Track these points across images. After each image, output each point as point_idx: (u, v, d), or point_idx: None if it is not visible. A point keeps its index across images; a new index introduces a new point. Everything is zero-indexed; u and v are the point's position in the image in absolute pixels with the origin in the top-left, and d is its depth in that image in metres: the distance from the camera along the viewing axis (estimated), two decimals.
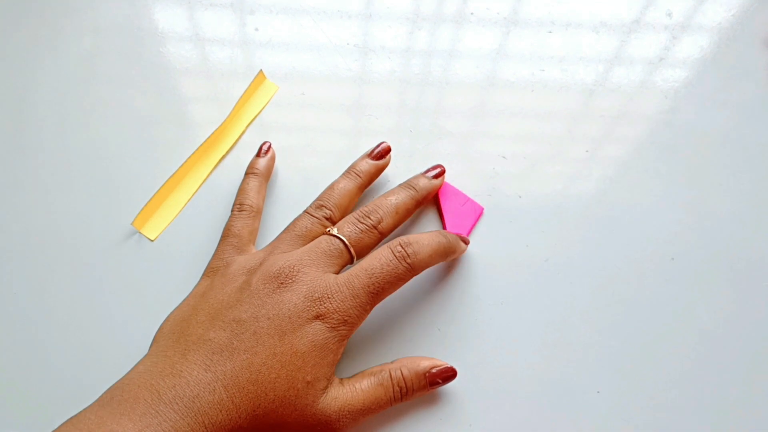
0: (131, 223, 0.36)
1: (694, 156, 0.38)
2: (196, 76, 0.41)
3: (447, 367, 0.31)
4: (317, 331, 0.28)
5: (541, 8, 0.44)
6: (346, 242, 0.31)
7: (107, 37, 0.43)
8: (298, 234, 0.32)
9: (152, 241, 0.36)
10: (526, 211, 0.37)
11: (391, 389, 0.30)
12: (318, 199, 0.34)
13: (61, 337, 0.34)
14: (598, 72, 0.41)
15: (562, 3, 0.44)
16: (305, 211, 0.34)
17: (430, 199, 0.36)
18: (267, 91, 0.41)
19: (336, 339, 0.28)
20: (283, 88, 0.41)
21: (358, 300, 0.29)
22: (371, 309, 0.30)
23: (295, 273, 0.29)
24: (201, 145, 0.38)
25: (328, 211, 0.33)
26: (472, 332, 0.34)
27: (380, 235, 0.32)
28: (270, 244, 0.33)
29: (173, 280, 0.35)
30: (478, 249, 0.36)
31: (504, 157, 0.38)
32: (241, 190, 0.36)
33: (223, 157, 0.39)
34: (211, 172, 0.38)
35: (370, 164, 0.36)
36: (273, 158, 0.38)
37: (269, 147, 0.37)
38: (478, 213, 0.36)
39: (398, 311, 0.34)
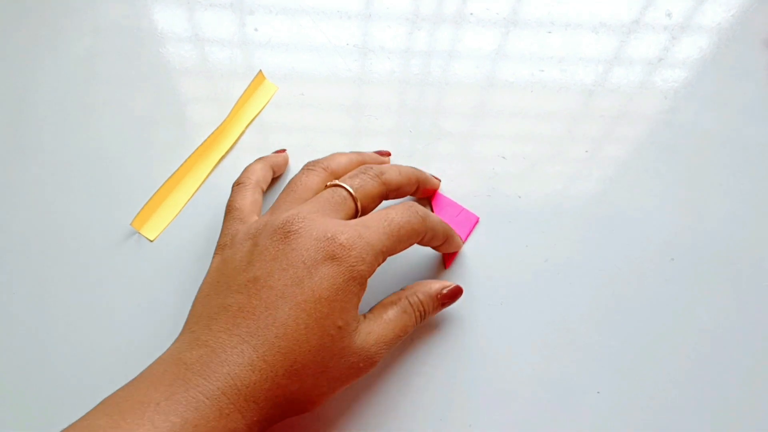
0: (130, 224, 0.36)
1: (694, 156, 0.38)
2: (195, 77, 0.41)
3: (455, 286, 0.32)
4: (335, 273, 0.27)
5: (541, 8, 0.44)
6: (350, 189, 0.30)
7: (107, 38, 0.43)
8: (297, 191, 0.31)
9: (151, 241, 0.36)
10: (526, 211, 0.37)
11: (413, 314, 0.31)
12: (316, 160, 0.34)
13: (61, 337, 0.34)
14: (598, 72, 0.41)
15: (562, 3, 0.44)
16: (303, 167, 0.33)
17: (426, 195, 0.36)
18: (266, 92, 0.41)
19: (357, 281, 0.27)
20: (283, 88, 0.41)
21: (372, 239, 0.28)
22: (384, 257, 0.29)
23: (300, 221, 0.28)
24: (200, 145, 0.38)
25: (326, 164, 0.33)
26: (471, 332, 0.34)
27: (383, 186, 0.32)
28: (270, 208, 0.32)
29: (172, 281, 0.35)
30: (477, 249, 0.36)
31: (504, 158, 0.38)
32: (244, 171, 0.35)
33: (223, 157, 0.39)
34: (210, 173, 0.38)
35: (374, 154, 0.36)
36: (285, 158, 0.38)
37: (284, 150, 0.38)
38: (474, 222, 0.36)
39: None
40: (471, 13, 0.43)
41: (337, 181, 0.31)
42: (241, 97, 0.40)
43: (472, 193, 0.37)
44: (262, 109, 0.40)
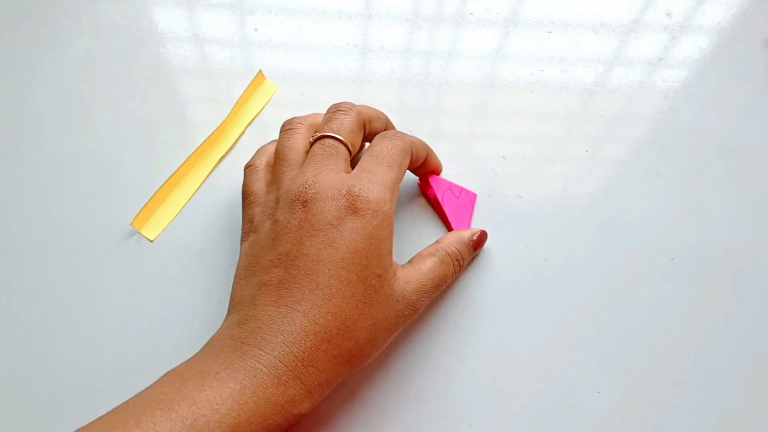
0: (130, 224, 0.36)
1: (694, 156, 0.38)
2: (195, 77, 0.41)
3: (482, 231, 0.35)
4: (363, 223, 0.28)
5: (541, 8, 0.44)
6: (333, 135, 0.31)
7: (107, 38, 0.43)
8: (288, 158, 0.31)
9: (151, 241, 0.36)
10: (526, 211, 0.37)
11: (451, 264, 0.32)
12: (290, 118, 0.34)
13: (61, 337, 0.34)
14: (598, 72, 0.41)
15: (562, 3, 0.44)
16: (281, 130, 0.33)
17: (420, 162, 0.34)
18: (266, 92, 0.41)
19: (385, 222, 0.28)
20: (283, 88, 0.41)
21: (380, 178, 0.29)
22: (397, 188, 0.30)
23: (312, 186, 0.28)
24: (200, 145, 0.38)
25: (302, 119, 0.33)
26: (471, 332, 0.34)
27: (358, 116, 0.32)
28: (269, 184, 0.32)
29: (172, 281, 0.35)
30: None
31: (504, 158, 0.38)
32: (256, 152, 0.34)
33: (223, 157, 0.39)
34: (210, 173, 0.38)
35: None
36: None
37: None
38: (473, 200, 0.37)
39: None
40: (471, 13, 0.43)
41: (318, 133, 0.31)
42: (241, 97, 0.40)
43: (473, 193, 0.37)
44: (262, 109, 0.40)
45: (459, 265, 0.33)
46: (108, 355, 0.34)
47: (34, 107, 0.40)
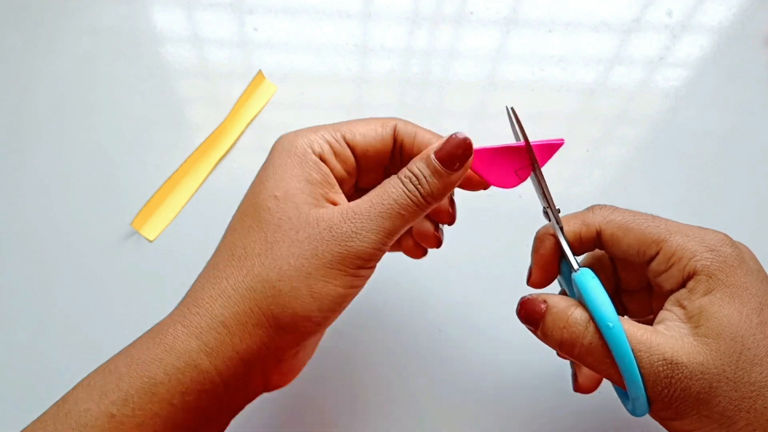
0: (130, 224, 0.36)
1: (694, 156, 0.38)
2: (194, 77, 0.41)
3: (448, 137, 0.26)
4: (271, 153, 0.26)
5: (542, 7, 0.43)
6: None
7: (105, 38, 0.43)
8: None
9: (151, 241, 0.36)
10: (526, 210, 0.37)
11: (401, 186, 0.24)
12: None
13: (61, 336, 0.34)
14: (598, 71, 0.41)
15: (563, 2, 0.44)
16: None
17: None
18: (266, 92, 0.41)
19: (287, 150, 0.25)
20: (282, 88, 0.41)
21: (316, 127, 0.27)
22: (324, 129, 0.26)
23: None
24: (200, 145, 0.38)
25: None
26: (472, 333, 0.34)
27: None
28: None
29: (172, 281, 0.35)
30: (478, 249, 0.36)
31: None
32: None
33: (222, 157, 0.39)
34: (210, 173, 0.38)
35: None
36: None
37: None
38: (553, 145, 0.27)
39: (398, 312, 0.34)
40: (471, 12, 0.43)
41: None
42: (240, 97, 0.40)
43: (473, 193, 0.37)
44: (261, 109, 0.40)
45: (418, 190, 0.24)
46: (107, 354, 0.34)
47: (33, 108, 0.40)
